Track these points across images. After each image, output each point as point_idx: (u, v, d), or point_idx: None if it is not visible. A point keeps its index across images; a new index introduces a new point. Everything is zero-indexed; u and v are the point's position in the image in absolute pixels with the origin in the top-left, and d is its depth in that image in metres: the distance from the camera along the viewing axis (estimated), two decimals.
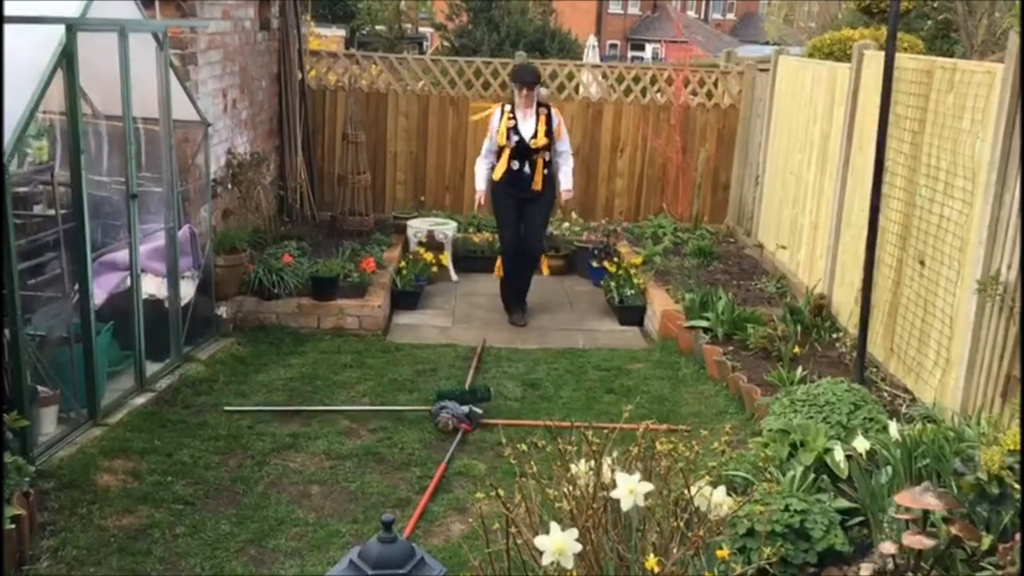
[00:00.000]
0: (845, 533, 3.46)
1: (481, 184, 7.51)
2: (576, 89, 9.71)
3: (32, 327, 4.77)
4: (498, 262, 7.66)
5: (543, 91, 9.43)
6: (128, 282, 5.48)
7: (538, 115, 7.29)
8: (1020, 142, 4.24)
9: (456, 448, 5.08)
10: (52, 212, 5.19)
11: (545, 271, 7.94)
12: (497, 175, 7.34)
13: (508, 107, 7.38)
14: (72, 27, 4.65)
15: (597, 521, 2.78)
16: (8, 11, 4.09)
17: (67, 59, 4.63)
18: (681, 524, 2.79)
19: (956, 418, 4.49)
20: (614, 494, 2.71)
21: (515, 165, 7.30)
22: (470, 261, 8.67)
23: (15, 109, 4.27)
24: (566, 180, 7.54)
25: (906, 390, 5.45)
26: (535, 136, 7.24)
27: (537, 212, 7.45)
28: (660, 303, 7.16)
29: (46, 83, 4.49)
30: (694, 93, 9.67)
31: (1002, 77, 4.55)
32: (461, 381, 6.01)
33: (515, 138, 7.26)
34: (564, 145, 7.48)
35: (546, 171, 7.36)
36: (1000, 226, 4.53)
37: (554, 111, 7.44)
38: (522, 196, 7.36)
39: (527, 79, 7.35)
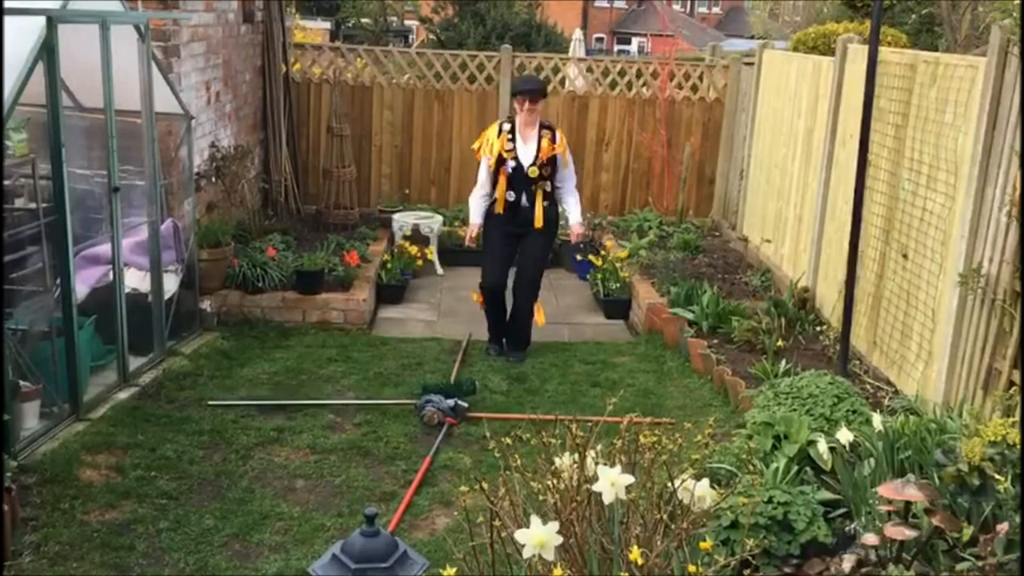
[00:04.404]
0: (828, 524, 3.47)
1: (475, 217, 6.47)
2: (562, 83, 9.70)
3: (14, 321, 4.74)
4: (477, 294, 6.67)
5: None
6: (110, 276, 5.45)
7: (540, 138, 6.29)
8: (1022, 135, 4.24)
9: (441, 442, 5.08)
10: (33, 205, 5.15)
11: (540, 320, 6.62)
12: (498, 208, 6.36)
13: (508, 126, 6.36)
14: (53, 19, 4.61)
15: (581, 514, 2.79)
16: None
17: (48, 51, 4.59)
18: (664, 516, 2.80)
19: (938, 410, 4.51)
20: (596, 487, 2.72)
21: (511, 196, 6.30)
22: (456, 255, 8.59)
23: None
24: (574, 214, 6.51)
25: (889, 382, 5.48)
26: (534, 163, 6.26)
27: (537, 246, 6.45)
28: (645, 297, 7.17)
29: (26, 76, 4.46)
30: (679, 87, 9.68)
31: (984, 71, 4.57)
32: (446, 375, 6.01)
33: (511, 164, 6.27)
34: (569, 173, 6.50)
35: (547, 203, 6.36)
36: (982, 219, 4.56)
37: (559, 133, 6.41)
38: (519, 232, 6.41)
39: (531, 88, 6.34)
